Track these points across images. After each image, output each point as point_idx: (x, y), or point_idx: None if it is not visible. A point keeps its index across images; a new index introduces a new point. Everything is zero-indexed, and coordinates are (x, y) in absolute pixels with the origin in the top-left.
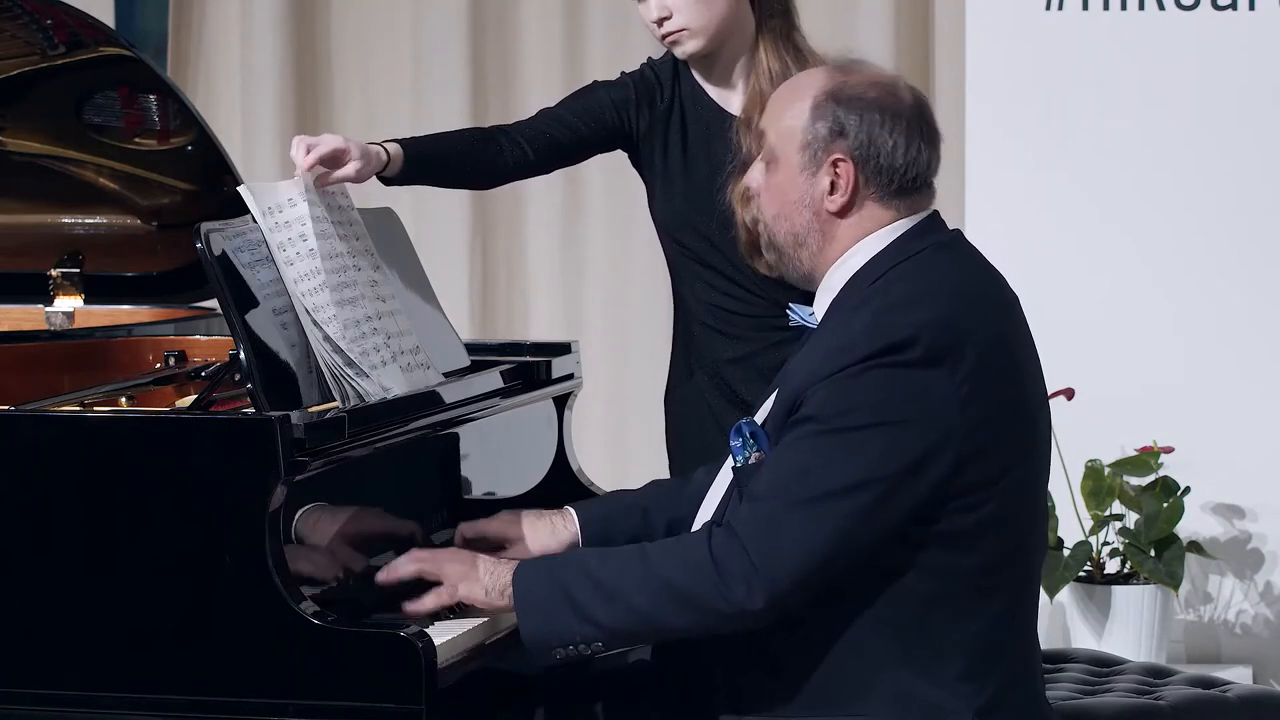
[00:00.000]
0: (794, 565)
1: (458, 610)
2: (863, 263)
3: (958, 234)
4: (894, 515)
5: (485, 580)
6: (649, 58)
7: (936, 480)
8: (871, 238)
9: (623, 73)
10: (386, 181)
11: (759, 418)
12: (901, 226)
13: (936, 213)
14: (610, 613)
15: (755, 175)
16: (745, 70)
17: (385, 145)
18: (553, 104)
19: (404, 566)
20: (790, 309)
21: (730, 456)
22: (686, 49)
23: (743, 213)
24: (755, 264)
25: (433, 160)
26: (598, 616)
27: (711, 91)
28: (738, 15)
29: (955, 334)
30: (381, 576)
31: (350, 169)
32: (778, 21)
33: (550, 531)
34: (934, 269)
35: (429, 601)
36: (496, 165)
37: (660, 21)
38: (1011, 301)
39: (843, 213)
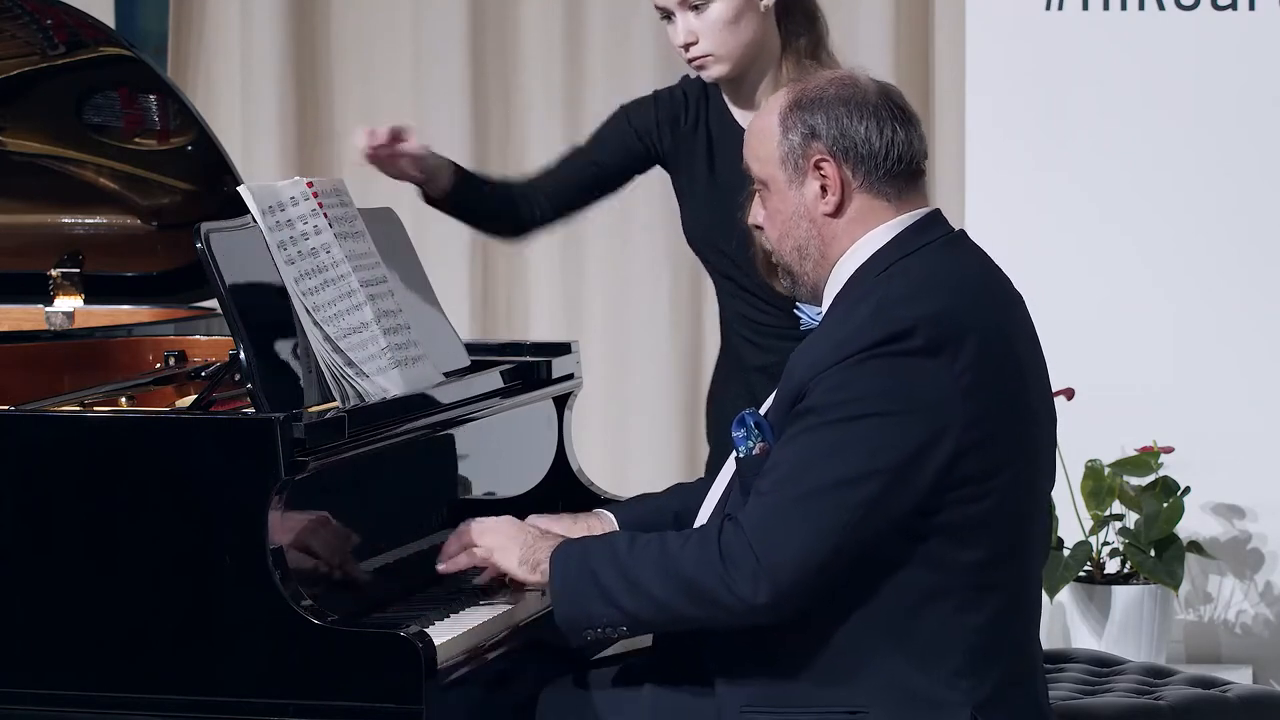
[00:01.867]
0: (798, 560)
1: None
2: (865, 258)
3: (962, 232)
4: (898, 506)
5: (521, 552)
6: (684, 75)
7: (936, 469)
8: (872, 234)
9: (655, 90)
10: (429, 200)
11: (763, 409)
12: (902, 223)
13: (938, 210)
14: (632, 600)
15: (756, 210)
16: (770, 90)
17: (454, 166)
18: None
19: (452, 545)
20: (798, 309)
21: (734, 447)
22: (712, 73)
23: (761, 239)
24: (773, 283)
25: (471, 204)
26: (621, 602)
27: (736, 112)
28: (764, 38)
29: (956, 325)
30: (442, 567)
31: (413, 144)
32: (803, 40)
33: (587, 534)
34: (938, 264)
35: (462, 560)
36: (525, 222)
37: (686, 46)
38: (1016, 300)
39: (837, 212)
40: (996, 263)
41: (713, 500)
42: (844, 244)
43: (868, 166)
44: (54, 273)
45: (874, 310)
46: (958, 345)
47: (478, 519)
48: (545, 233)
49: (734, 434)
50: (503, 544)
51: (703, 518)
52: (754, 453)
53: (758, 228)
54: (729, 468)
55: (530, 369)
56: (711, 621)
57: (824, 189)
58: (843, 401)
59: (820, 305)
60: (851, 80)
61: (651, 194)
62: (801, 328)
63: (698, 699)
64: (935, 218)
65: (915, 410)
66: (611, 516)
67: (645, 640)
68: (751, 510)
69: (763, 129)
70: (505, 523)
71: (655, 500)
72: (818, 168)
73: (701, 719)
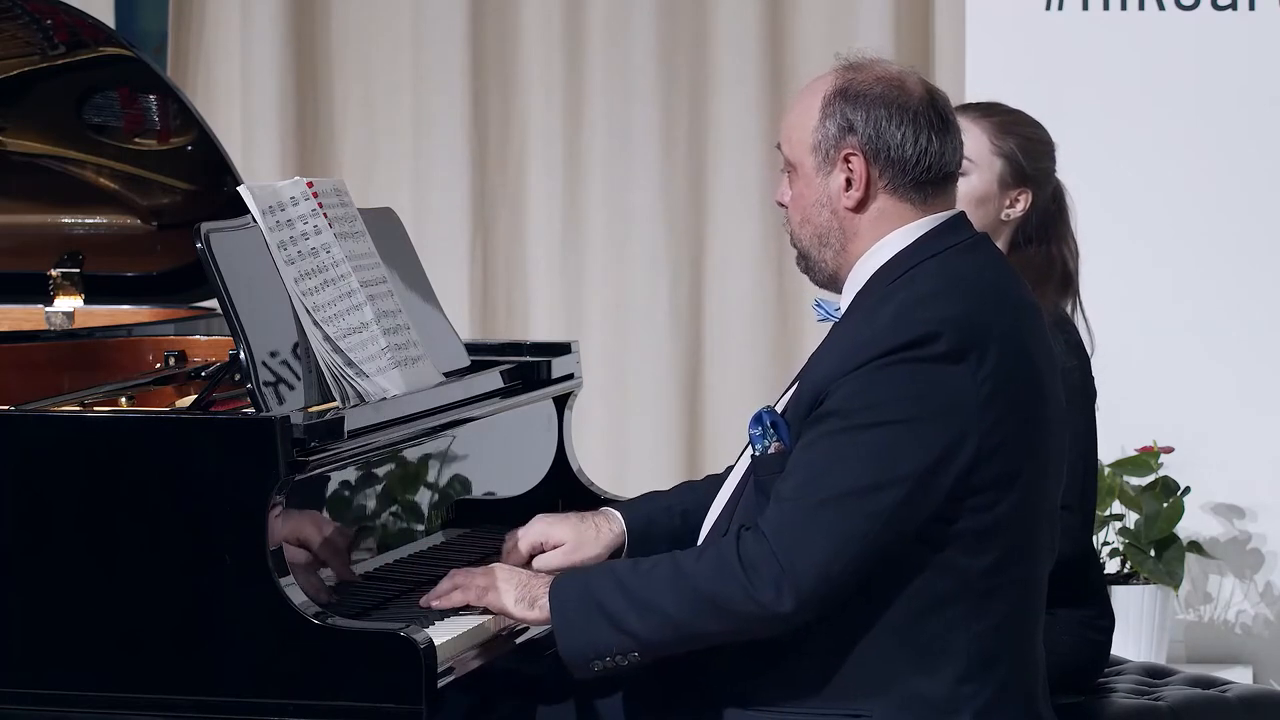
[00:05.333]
0: (821, 566)
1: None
2: (887, 258)
3: (984, 237)
4: (920, 512)
5: (517, 591)
6: None
7: (956, 476)
8: (895, 234)
9: None
10: None
11: (779, 407)
12: (925, 224)
13: (962, 214)
14: (644, 623)
15: (783, 190)
16: None
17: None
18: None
19: (444, 584)
20: (817, 304)
21: (750, 445)
22: None
23: (783, 218)
24: None
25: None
26: (632, 627)
27: None
28: None
29: (977, 331)
30: (432, 602)
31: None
32: None
33: (595, 535)
34: (958, 269)
35: (456, 597)
36: None
37: None
38: (1033, 307)
39: (860, 208)
40: (1014, 269)
41: (723, 499)
42: (866, 241)
43: (895, 171)
44: (54, 273)
45: (896, 314)
46: (981, 351)
47: (467, 568)
48: None
49: (750, 431)
50: (496, 584)
51: (712, 516)
52: (769, 451)
53: (782, 206)
54: (742, 465)
55: (530, 369)
56: (731, 635)
57: (849, 182)
58: (865, 406)
59: (837, 293)
60: (900, 82)
61: (652, 193)
62: (818, 321)
63: (699, 699)
64: (958, 221)
65: (938, 416)
66: (618, 514)
67: None
68: (773, 516)
69: (803, 110)
70: (497, 566)
71: (663, 499)
72: (846, 161)
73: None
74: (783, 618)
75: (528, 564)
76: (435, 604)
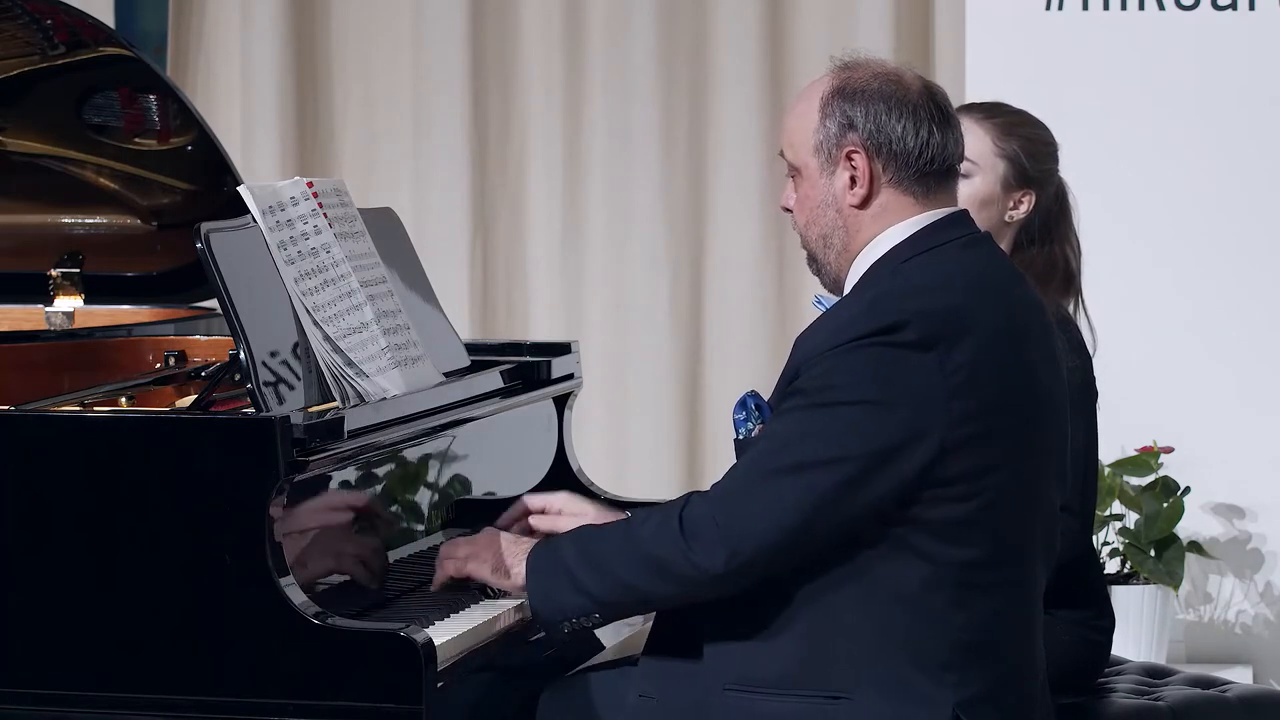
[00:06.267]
0: (757, 533)
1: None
2: (884, 251)
3: (986, 235)
4: (871, 494)
5: (494, 560)
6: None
7: (919, 466)
8: (895, 228)
9: None
10: None
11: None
12: (925, 219)
13: (964, 211)
14: (599, 584)
15: (788, 195)
16: None
17: None
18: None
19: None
20: (817, 300)
21: (734, 430)
22: None
23: (790, 223)
24: None
25: None
26: (590, 589)
27: None
28: None
29: (954, 323)
30: (432, 588)
31: None
32: None
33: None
34: (951, 263)
35: (446, 569)
36: None
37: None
38: (1034, 305)
39: (864, 204)
40: (1017, 268)
41: None
42: (867, 236)
43: (899, 164)
44: (54, 273)
45: (872, 301)
46: (952, 343)
47: (458, 538)
48: None
49: (734, 416)
50: (477, 553)
51: None
52: (753, 435)
53: (787, 210)
54: None
55: (530, 369)
56: (674, 598)
57: (853, 180)
58: (827, 386)
59: (839, 297)
60: (896, 77)
61: (652, 193)
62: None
63: (692, 686)
64: (959, 218)
65: (896, 402)
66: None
67: (645, 640)
68: (722, 483)
69: (802, 114)
70: (483, 533)
71: None
72: (849, 159)
73: (694, 715)
74: (713, 579)
75: (530, 533)
76: (432, 589)
